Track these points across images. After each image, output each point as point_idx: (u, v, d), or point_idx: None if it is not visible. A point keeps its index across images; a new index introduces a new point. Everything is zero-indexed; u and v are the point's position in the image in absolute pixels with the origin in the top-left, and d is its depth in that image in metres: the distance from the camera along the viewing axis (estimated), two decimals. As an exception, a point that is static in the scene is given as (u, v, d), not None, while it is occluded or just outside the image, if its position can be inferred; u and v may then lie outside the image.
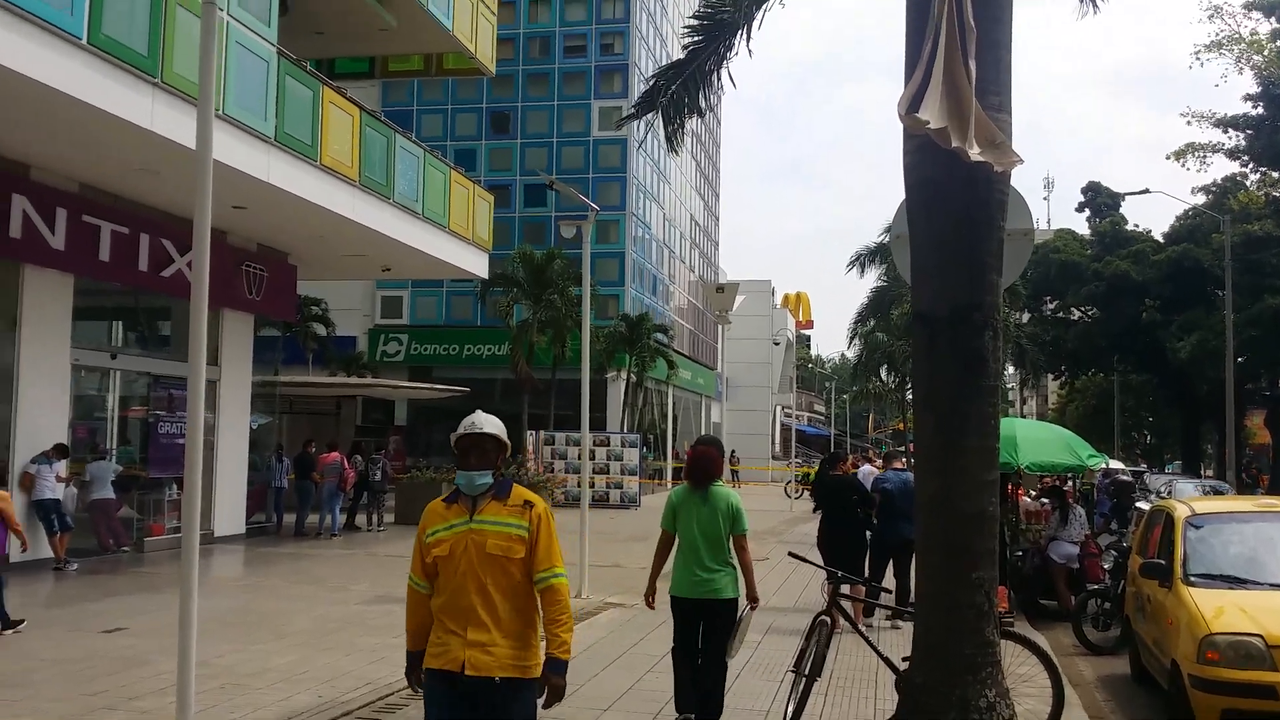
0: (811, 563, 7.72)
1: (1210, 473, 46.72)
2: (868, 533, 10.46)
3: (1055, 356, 47.03)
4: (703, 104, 12.63)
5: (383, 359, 39.46)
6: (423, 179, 19.08)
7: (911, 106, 4.74)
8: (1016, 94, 5.36)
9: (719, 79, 12.48)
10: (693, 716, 6.30)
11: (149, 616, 10.40)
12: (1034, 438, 13.22)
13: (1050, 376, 56.94)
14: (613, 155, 41.03)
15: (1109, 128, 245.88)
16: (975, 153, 4.65)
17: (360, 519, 20.87)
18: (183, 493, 17.03)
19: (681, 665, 6.36)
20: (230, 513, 18.05)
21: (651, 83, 12.63)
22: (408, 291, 41.15)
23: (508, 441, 4.21)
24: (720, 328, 39.71)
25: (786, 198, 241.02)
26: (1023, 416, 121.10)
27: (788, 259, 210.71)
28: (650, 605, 6.65)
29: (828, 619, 6.58)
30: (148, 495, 16.69)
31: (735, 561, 6.25)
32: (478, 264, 21.99)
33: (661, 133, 12.60)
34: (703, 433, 54.57)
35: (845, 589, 7.00)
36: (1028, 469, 12.80)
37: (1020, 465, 12.55)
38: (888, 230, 33.39)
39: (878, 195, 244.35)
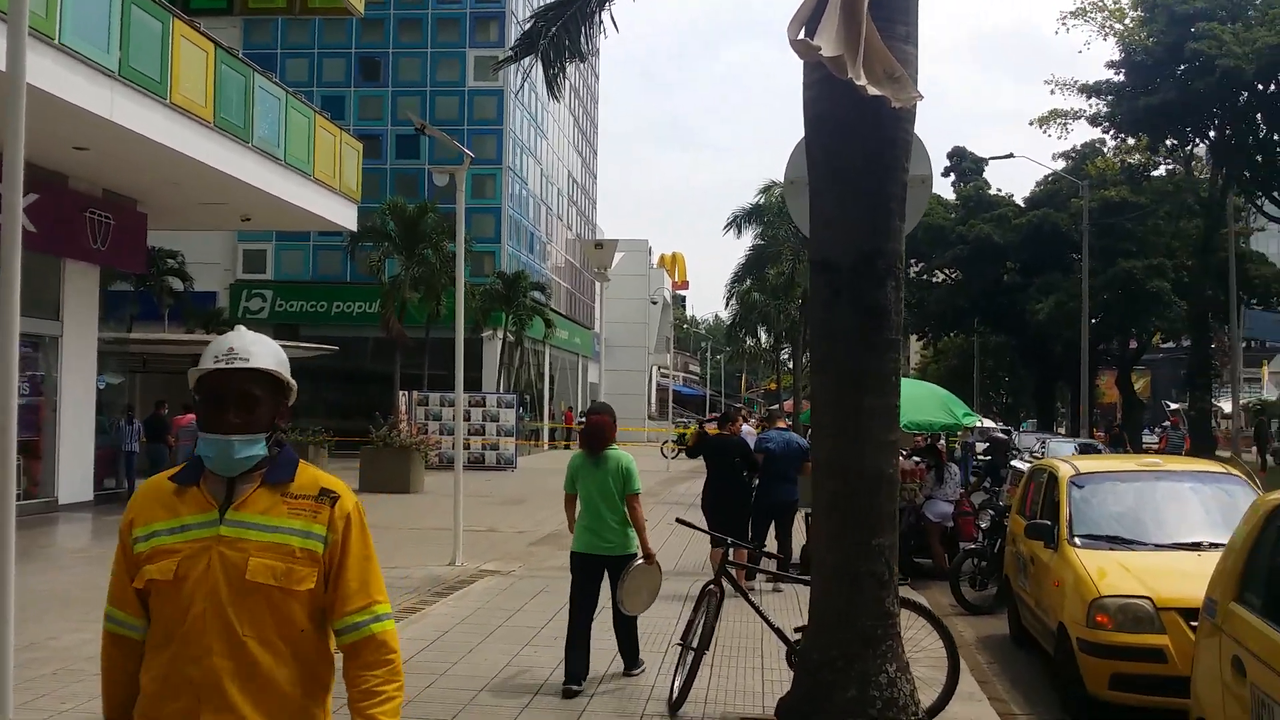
0: (701, 529, 7.43)
1: (1063, 430, 48.79)
2: (751, 494, 10.23)
3: (920, 318, 48.34)
4: (584, 47, 12.08)
5: (245, 316, 37.56)
6: (284, 123, 17.99)
7: (807, 31, 4.35)
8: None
9: (601, 20, 11.98)
10: (577, 687, 6.34)
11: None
12: (911, 396, 13.24)
13: (914, 337, 58.48)
14: (489, 107, 39.83)
15: (976, 95, 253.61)
16: (870, 85, 4.30)
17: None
18: (23, 458, 16.00)
19: (578, 621, 6.51)
20: (76, 478, 16.83)
21: (530, 24, 12.06)
22: (272, 245, 39.29)
23: (292, 383, 2.61)
24: (598, 287, 39.28)
25: (664, 159, 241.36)
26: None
27: (664, 220, 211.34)
28: None
29: (716, 589, 6.28)
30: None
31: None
32: (346, 216, 20.98)
33: (541, 77, 12.06)
34: (581, 394, 54.27)
35: (732, 555, 6.70)
36: (905, 427, 12.85)
37: (898, 423, 12.65)
38: (764, 190, 33.60)
39: (752, 155, 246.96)
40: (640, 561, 6.40)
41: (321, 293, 38.44)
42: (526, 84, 42.89)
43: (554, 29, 11.84)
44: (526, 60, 12.10)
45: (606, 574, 6.54)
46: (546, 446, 40.41)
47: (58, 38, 12.05)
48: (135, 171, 16.41)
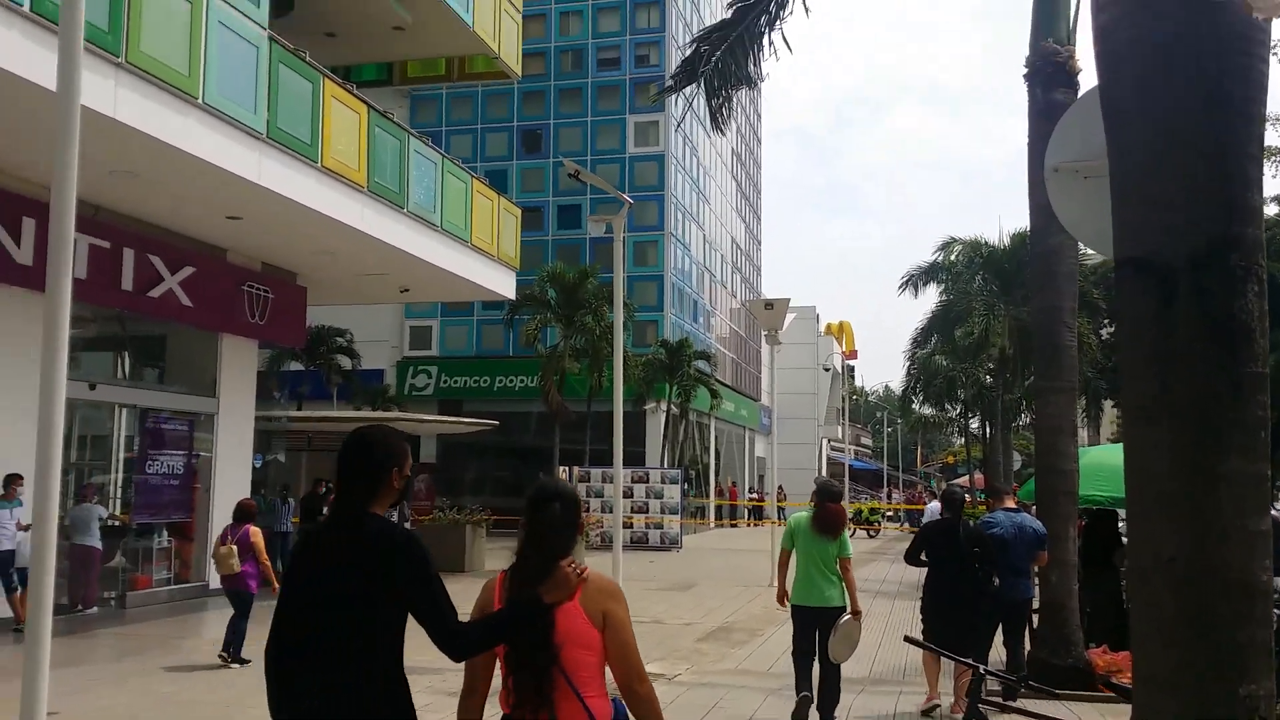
0: (944, 653, 5.72)
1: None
2: (985, 594, 8.23)
3: (1116, 382, 44.60)
4: (752, 72, 10.75)
5: (411, 392, 37.69)
6: (441, 188, 17.36)
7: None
8: None
9: (772, 41, 10.61)
10: (809, 694, 7.53)
11: (88, 696, 8.56)
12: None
13: (1109, 404, 54.14)
14: (649, 173, 39.20)
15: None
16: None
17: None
18: (174, 540, 15.50)
19: (800, 662, 7.74)
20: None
21: (692, 48, 10.81)
22: (437, 321, 39.46)
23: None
24: (765, 355, 37.61)
25: (826, 227, 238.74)
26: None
27: (828, 288, 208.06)
28: (781, 605, 8.26)
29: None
30: (135, 543, 14.96)
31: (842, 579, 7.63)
32: (504, 284, 20.20)
33: (704, 109, 10.74)
34: (748, 468, 52.32)
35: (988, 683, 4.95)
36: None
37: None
38: (943, 247, 31.49)
39: (918, 222, 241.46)
40: (849, 616, 7.35)
41: (484, 367, 38.20)
42: (688, 149, 42.29)
43: (718, 53, 10.56)
44: (689, 90, 10.90)
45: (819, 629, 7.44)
46: (712, 524, 38.65)
47: (201, 97, 11.55)
48: (291, 242, 15.99)
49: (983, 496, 39.81)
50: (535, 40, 40.80)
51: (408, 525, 20.19)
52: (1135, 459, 3.39)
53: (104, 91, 10.38)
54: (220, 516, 15.87)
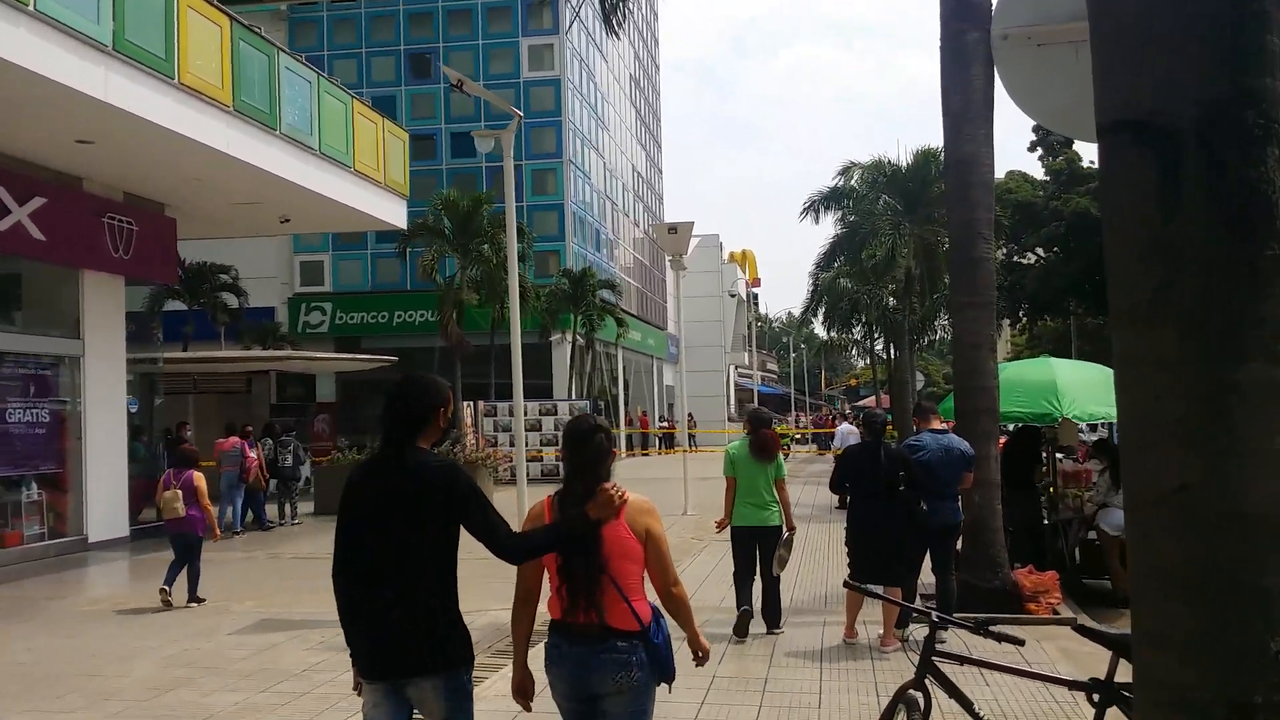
0: (888, 599, 5.19)
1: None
2: (908, 518, 7.76)
3: (1012, 301, 45.33)
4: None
5: (305, 330, 36.13)
6: (318, 109, 16.15)
7: None
8: None
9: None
10: (749, 608, 8.01)
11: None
12: (1079, 380, 10.81)
13: (1007, 323, 55.24)
14: (546, 97, 37.81)
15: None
16: None
17: (273, 511, 17.96)
18: (46, 492, 14.30)
19: (743, 581, 8.15)
20: (108, 513, 15.10)
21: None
22: (329, 255, 37.79)
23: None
24: (671, 282, 37.06)
25: (724, 159, 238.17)
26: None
27: (731, 220, 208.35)
28: (719, 529, 8.62)
29: (919, 694, 4.05)
30: (1, 499, 13.74)
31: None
32: (394, 213, 19.10)
33: (597, 7, 9.88)
34: (657, 397, 52.12)
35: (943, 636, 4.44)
36: (1076, 418, 10.41)
37: (1065, 414, 10.20)
38: (843, 172, 31.10)
39: (812, 154, 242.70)
40: (789, 535, 8.08)
41: (381, 302, 36.81)
42: (585, 73, 40.97)
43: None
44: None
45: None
46: (624, 454, 38.28)
47: (32, 3, 10.24)
48: (153, 169, 14.69)
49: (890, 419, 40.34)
50: (424, -42, 38.88)
51: (304, 467, 19.28)
52: (1130, 373, 2.77)
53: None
54: (95, 465, 14.78)
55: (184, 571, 10.39)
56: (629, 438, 41.62)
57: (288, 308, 37.03)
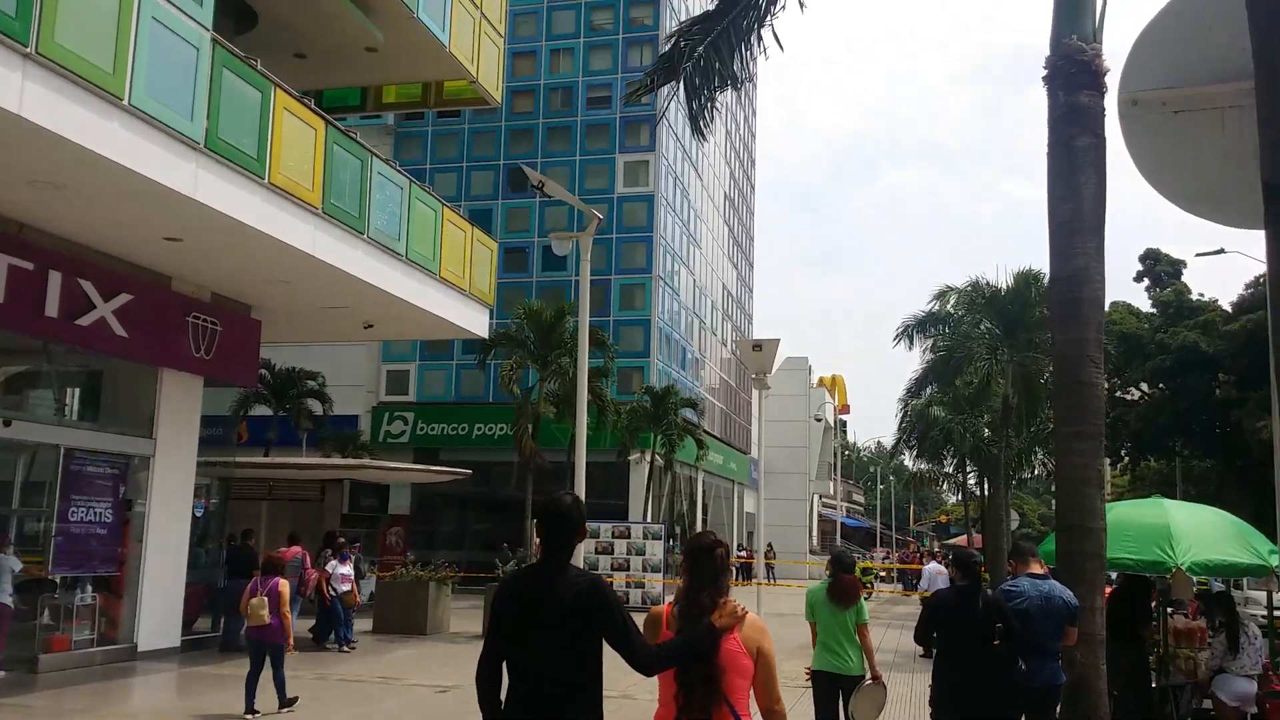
0: None
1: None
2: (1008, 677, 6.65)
3: (1115, 440, 43.30)
4: (738, 70, 9.50)
5: (386, 439, 36.08)
6: (407, 215, 16.07)
7: None
8: None
9: (761, 37, 9.39)
10: None
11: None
12: (1196, 525, 9.69)
13: (1108, 462, 52.76)
14: (639, 213, 38.00)
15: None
16: None
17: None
18: (100, 596, 13.90)
19: None
20: (160, 621, 14.64)
21: (671, 43, 9.58)
22: (415, 365, 37.98)
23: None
24: (756, 404, 36.23)
25: (818, 286, 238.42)
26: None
27: (820, 344, 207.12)
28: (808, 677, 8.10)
29: None
30: (55, 600, 13.37)
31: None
32: (477, 321, 18.83)
33: (685, 112, 9.50)
34: (737, 524, 50.71)
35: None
36: (1190, 570, 9.27)
37: (1179, 564, 9.05)
38: (938, 296, 30.23)
39: (906, 278, 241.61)
40: (869, 681, 7.55)
41: (463, 414, 36.65)
42: (679, 190, 41.22)
43: (700, 48, 9.34)
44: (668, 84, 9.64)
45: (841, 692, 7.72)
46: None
47: (127, 98, 10.25)
48: (240, 269, 14.67)
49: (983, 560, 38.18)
50: (525, 78, 39.91)
51: (365, 581, 18.67)
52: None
53: (8, 84, 9.08)
54: (153, 570, 14.38)
55: (262, 679, 10.62)
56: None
57: (371, 416, 37.13)
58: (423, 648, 15.92)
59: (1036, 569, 7.32)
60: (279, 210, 12.98)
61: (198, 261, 14.27)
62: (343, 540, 18.22)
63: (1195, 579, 10.38)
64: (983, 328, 26.33)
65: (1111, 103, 8.61)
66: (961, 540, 54.16)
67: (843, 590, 7.90)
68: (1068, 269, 8.50)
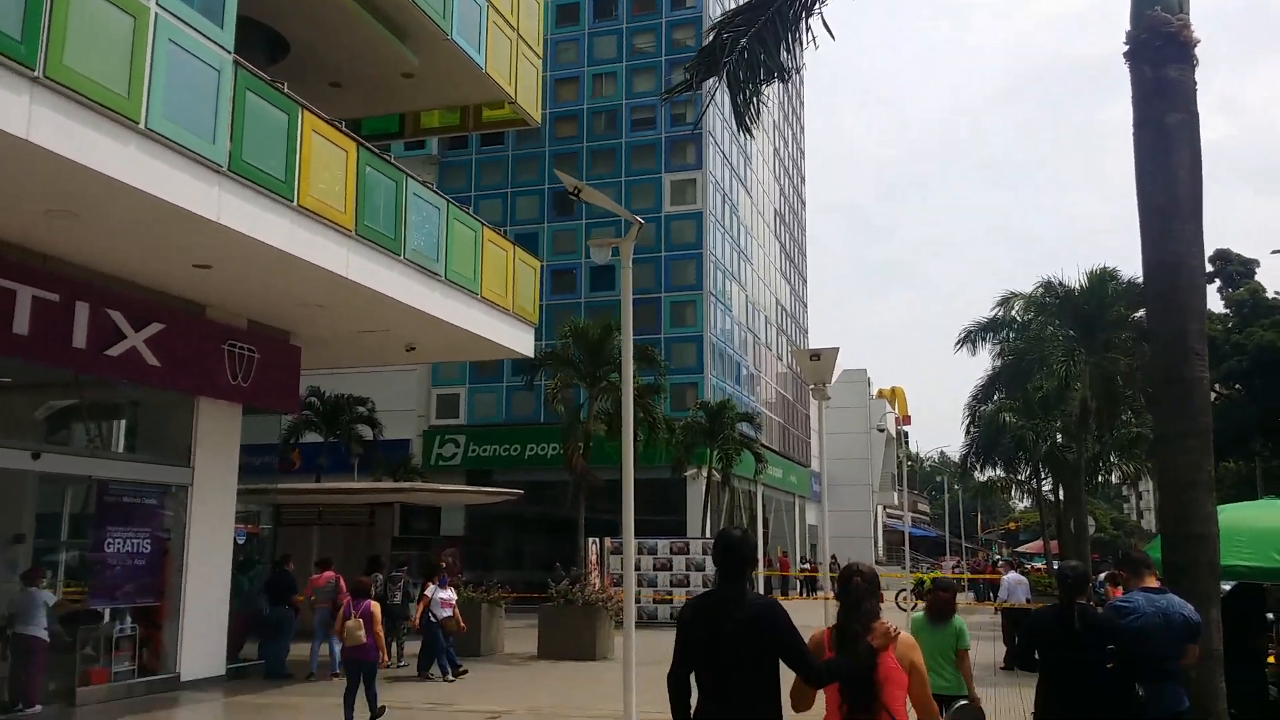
0: None
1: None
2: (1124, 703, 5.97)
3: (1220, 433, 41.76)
4: (785, 61, 8.99)
5: (438, 463, 35.92)
6: (446, 235, 15.79)
7: None
8: None
9: (810, 26, 8.86)
10: None
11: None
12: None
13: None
14: (687, 231, 37.50)
15: (1219, 198, 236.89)
16: None
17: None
18: (141, 627, 13.71)
19: None
20: (205, 650, 14.40)
21: (712, 36, 9.10)
22: (465, 389, 37.81)
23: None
24: (814, 415, 35.47)
25: (873, 299, 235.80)
26: (1150, 511, 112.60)
27: (878, 357, 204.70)
28: None
29: None
30: (93, 632, 13.19)
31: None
32: (522, 341, 18.49)
33: (727, 108, 9.01)
34: (799, 538, 49.82)
35: None
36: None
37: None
38: (1002, 302, 29.23)
39: (964, 292, 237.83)
40: (965, 702, 7.09)
41: (514, 435, 36.38)
42: (728, 207, 40.68)
43: (743, 40, 8.84)
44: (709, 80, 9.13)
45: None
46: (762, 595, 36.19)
47: (143, 121, 10.04)
48: (274, 295, 14.45)
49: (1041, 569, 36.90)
50: (568, 103, 39.75)
51: (414, 604, 18.29)
52: None
53: (15, 108, 8.90)
54: (194, 598, 14.17)
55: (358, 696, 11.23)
56: (767, 580, 39.50)
57: (422, 440, 37.02)
58: (475, 670, 15.47)
59: (1152, 582, 6.57)
60: (310, 233, 12.72)
61: (231, 288, 14.08)
62: (445, 563, 17.31)
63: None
64: (1051, 330, 25.35)
65: (1202, 76, 7.95)
66: (1036, 547, 52.62)
67: (937, 605, 7.87)
68: (1164, 256, 7.83)
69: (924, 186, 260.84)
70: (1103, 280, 24.59)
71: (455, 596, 16.24)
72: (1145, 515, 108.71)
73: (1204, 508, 7.54)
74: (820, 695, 4.50)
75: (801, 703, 4.55)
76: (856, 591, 4.51)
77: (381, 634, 11.41)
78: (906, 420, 75.48)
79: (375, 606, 11.39)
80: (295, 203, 12.36)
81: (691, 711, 4.40)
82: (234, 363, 14.95)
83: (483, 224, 17.43)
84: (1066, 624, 5.96)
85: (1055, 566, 33.80)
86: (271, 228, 12.07)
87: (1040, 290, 25.53)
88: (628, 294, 9.60)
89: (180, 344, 13.94)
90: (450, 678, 15.16)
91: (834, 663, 4.39)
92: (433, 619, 15.35)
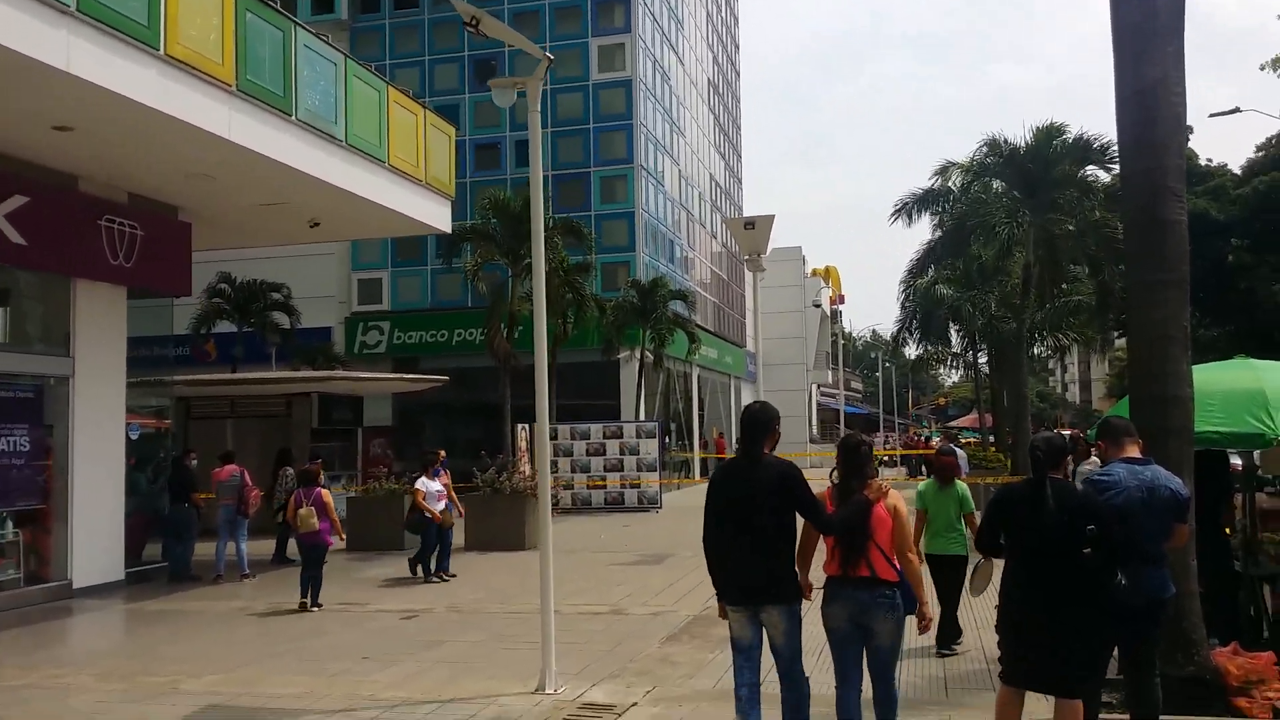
0: None
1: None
2: (1100, 595, 5.08)
3: (1109, 313, 41.90)
4: None
5: (362, 351, 34.52)
6: (345, 94, 14.30)
7: None
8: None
9: None
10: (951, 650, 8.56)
11: None
12: (1228, 386, 8.02)
13: (1117, 334, 51.33)
14: (617, 100, 35.71)
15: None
16: None
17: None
18: (27, 532, 12.52)
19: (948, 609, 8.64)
20: (99, 553, 13.33)
21: None
22: (387, 272, 36.17)
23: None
24: (749, 291, 34.66)
25: (804, 178, 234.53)
26: (1074, 384, 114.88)
27: (811, 236, 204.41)
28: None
29: None
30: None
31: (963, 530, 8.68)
32: (437, 215, 17.15)
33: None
34: (735, 418, 49.61)
35: None
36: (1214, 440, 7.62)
37: (1280, 436, 7.35)
38: (939, 172, 28.31)
39: (899, 169, 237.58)
40: (982, 560, 6.25)
41: (441, 321, 35.01)
42: (659, 75, 38.85)
43: None
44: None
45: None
46: (699, 479, 35.92)
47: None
48: (153, 164, 12.99)
49: (962, 438, 36.94)
50: (486, -39, 37.25)
51: (331, 489, 17.27)
52: None
53: None
54: (83, 499, 13.02)
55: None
56: (703, 462, 39.22)
57: (344, 328, 35.53)
58: (398, 564, 14.59)
59: (1134, 451, 5.70)
60: (183, 86, 11.25)
61: (103, 155, 12.58)
62: (438, 454, 14.70)
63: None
64: (996, 187, 24.49)
65: None
66: (969, 421, 53.13)
67: (942, 471, 8.90)
68: (1141, 81, 6.89)
69: (857, 63, 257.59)
70: (1049, 135, 23.68)
71: (442, 488, 14.17)
72: (1069, 388, 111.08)
73: (1178, 365, 6.81)
74: (820, 546, 5.43)
75: (806, 558, 5.42)
76: (862, 457, 5.40)
77: (337, 519, 12.00)
78: (841, 299, 75.36)
79: (327, 494, 11.84)
80: (162, 51, 10.86)
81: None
82: (114, 240, 13.52)
83: (388, 83, 15.92)
84: (1038, 502, 5.07)
85: (991, 440, 33.86)
86: (135, 80, 10.59)
87: (983, 148, 24.59)
88: (536, 139, 8.49)
89: (50, 219, 12.50)
90: (438, 579, 13.58)
91: (839, 514, 5.23)
92: (428, 515, 13.64)
